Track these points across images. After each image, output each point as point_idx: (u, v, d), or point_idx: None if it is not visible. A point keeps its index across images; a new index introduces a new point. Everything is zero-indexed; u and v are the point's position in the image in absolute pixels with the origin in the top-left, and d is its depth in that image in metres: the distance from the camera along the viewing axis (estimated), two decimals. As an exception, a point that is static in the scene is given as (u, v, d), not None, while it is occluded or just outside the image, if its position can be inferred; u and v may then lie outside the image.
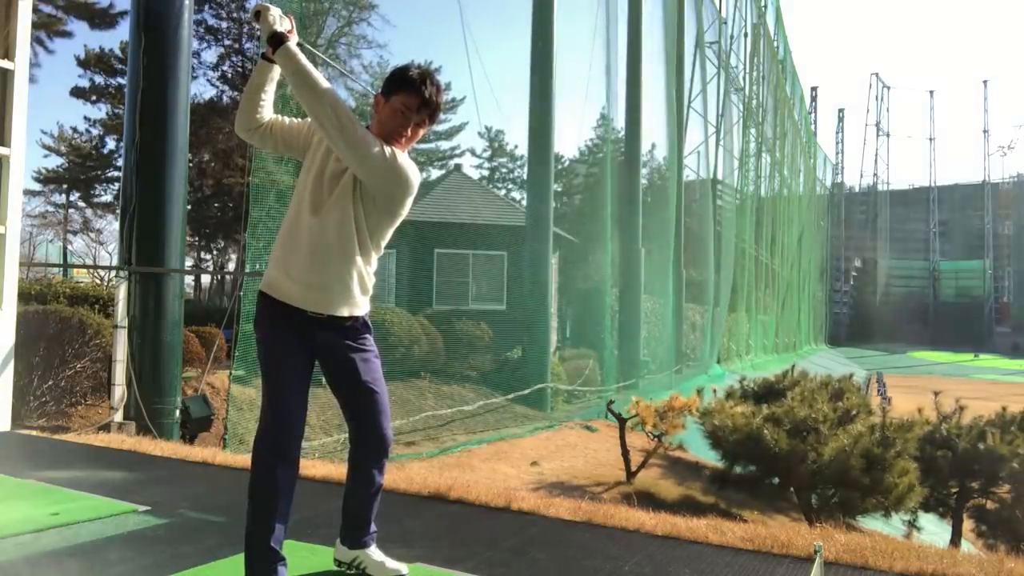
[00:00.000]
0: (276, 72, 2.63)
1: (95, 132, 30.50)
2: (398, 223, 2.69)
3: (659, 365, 21.57)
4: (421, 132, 2.64)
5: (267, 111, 2.68)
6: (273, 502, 2.52)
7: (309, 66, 2.46)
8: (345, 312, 2.60)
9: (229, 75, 27.66)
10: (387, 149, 2.51)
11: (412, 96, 2.54)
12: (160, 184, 8.49)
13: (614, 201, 18.71)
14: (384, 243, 2.69)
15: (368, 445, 2.68)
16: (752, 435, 8.86)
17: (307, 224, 2.55)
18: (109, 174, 31.16)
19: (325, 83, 2.45)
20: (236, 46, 27.29)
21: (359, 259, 2.57)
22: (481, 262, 17.80)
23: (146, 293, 8.44)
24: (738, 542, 3.46)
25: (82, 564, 3.00)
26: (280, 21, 2.54)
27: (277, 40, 2.48)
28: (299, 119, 2.74)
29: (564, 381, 16.32)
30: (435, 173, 31.65)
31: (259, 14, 2.53)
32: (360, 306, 2.64)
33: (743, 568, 3.15)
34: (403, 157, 2.56)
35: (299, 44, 2.57)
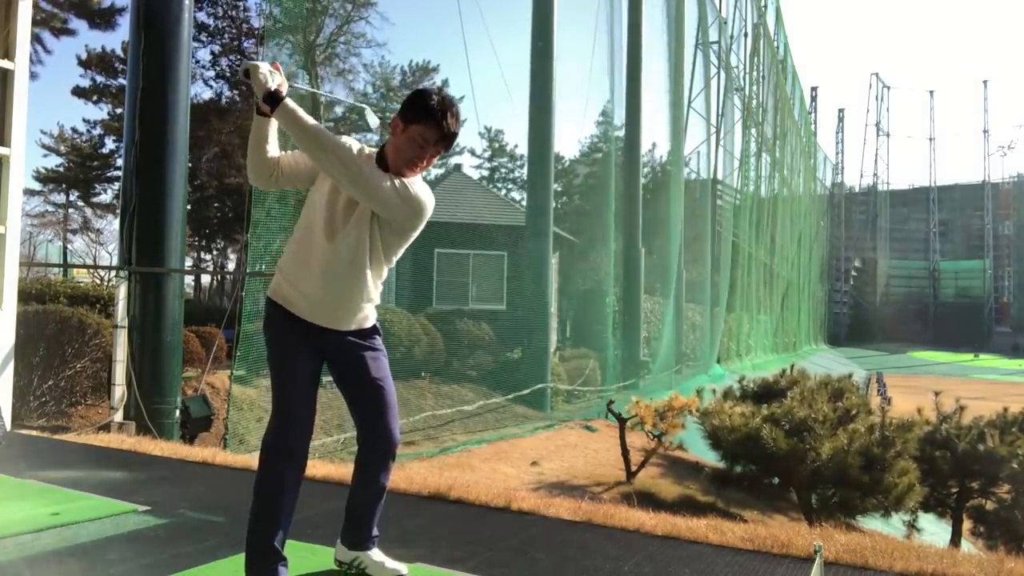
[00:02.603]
0: (274, 124, 2.61)
1: (95, 132, 30.53)
2: (411, 241, 2.73)
3: (659, 365, 21.57)
4: (435, 159, 2.65)
5: (274, 154, 2.67)
6: (279, 501, 2.53)
7: (309, 121, 2.45)
8: (354, 327, 2.66)
9: (227, 74, 27.64)
10: (397, 183, 2.51)
11: (432, 129, 2.52)
12: (160, 184, 8.49)
13: (615, 200, 18.73)
14: (396, 259, 2.74)
15: (375, 444, 2.70)
16: (751, 435, 8.86)
17: (321, 249, 2.56)
18: (109, 174, 31.17)
19: (327, 134, 2.46)
20: (234, 44, 27.27)
21: (370, 279, 2.62)
22: (481, 262, 17.80)
23: (146, 293, 8.44)
24: (738, 542, 3.46)
25: (82, 564, 3.00)
26: (271, 77, 2.49)
27: (273, 99, 2.45)
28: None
29: (564, 381, 16.32)
30: (435, 173, 31.64)
31: (248, 72, 2.48)
32: (369, 319, 2.71)
33: (743, 568, 3.15)
34: (415, 186, 2.57)
35: (291, 86, 2.56)
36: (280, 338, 2.62)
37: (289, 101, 2.46)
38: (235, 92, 27.28)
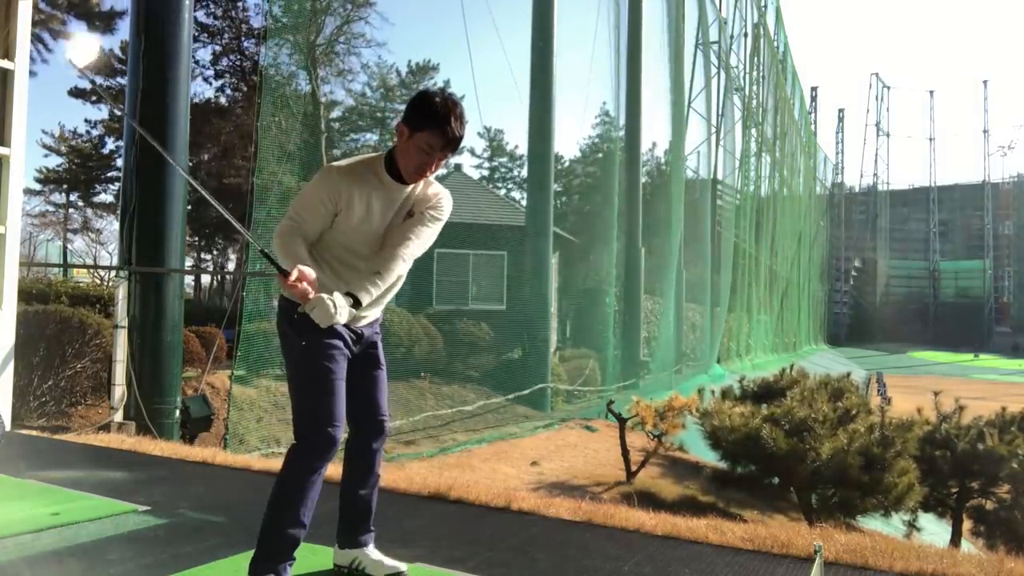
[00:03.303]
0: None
1: (95, 133, 30.53)
2: None
3: (659, 365, 21.57)
4: (443, 162, 2.66)
5: (310, 242, 2.62)
6: (310, 503, 2.53)
7: (381, 285, 2.48)
8: (373, 319, 2.79)
9: (227, 74, 27.65)
10: (432, 224, 2.62)
11: (436, 136, 2.51)
12: (160, 184, 8.49)
13: (617, 200, 18.74)
14: None
15: (370, 426, 2.74)
16: (751, 435, 8.85)
17: (364, 270, 2.58)
18: (109, 174, 31.18)
19: (388, 272, 2.50)
20: (234, 44, 27.27)
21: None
22: (481, 262, 17.80)
23: (146, 293, 8.44)
24: (738, 542, 3.46)
25: (82, 564, 3.00)
26: (337, 307, 2.34)
27: (355, 305, 2.41)
28: (312, 213, 2.59)
29: (564, 381, 16.32)
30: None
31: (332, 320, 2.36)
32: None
33: (743, 568, 3.15)
34: (443, 211, 2.66)
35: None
36: (319, 338, 2.56)
37: (363, 298, 2.43)
38: (236, 92, 27.30)
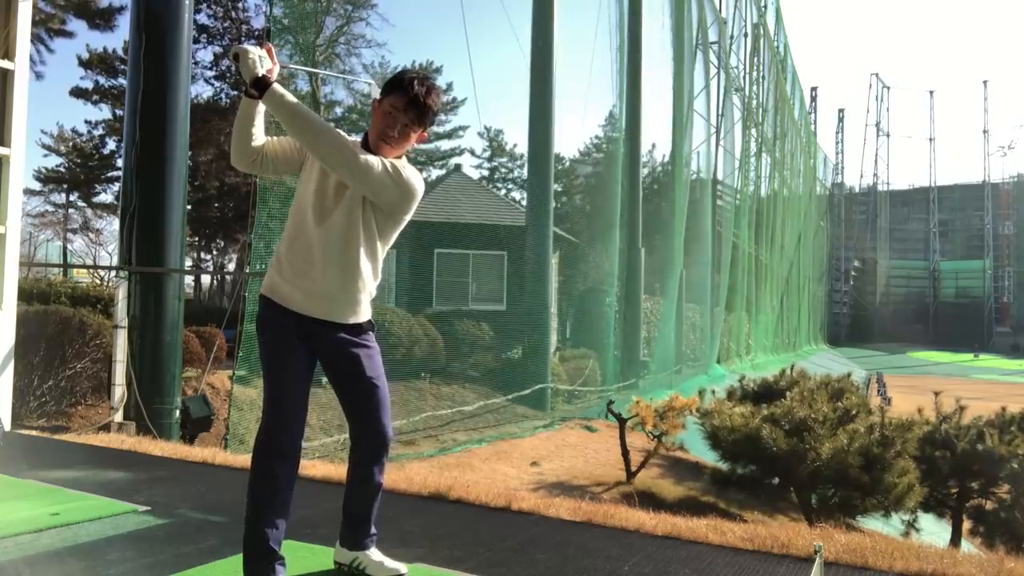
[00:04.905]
0: (262, 107, 2.60)
1: (96, 133, 30.49)
2: (402, 227, 2.72)
3: (659, 365, 21.57)
4: (413, 135, 2.62)
5: (260, 139, 2.66)
6: (273, 500, 2.53)
7: (299, 106, 2.46)
8: (351, 320, 2.64)
9: (228, 74, 27.64)
10: (388, 167, 2.52)
11: (400, 97, 2.56)
12: (160, 184, 8.50)
13: (619, 200, 18.73)
14: (388, 246, 2.72)
15: (368, 442, 2.70)
16: (751, 435, 8.85)
17: (312, 234, 2.56)
18: (109, 174, 31.14)
19: (317, 119, 2.48)
20: (234, 45, 27.28)
21: (364, 267, 2.60)
22: (481, 262, 17.80)
23: (146, 293, 8.45)
24: (738, 542, 3.46)
25: (82, 564, 3.00)
26: (260, 62, 2.49)
27: (261, 85, 2.46)
28: (287, 136, 2.69)
29: (564, 381, 16.32)
30: (435, 173, 31.73)
31: (237, 56, 2.47)
32: (364, 311, 2.68)
33: (743, 568, 3.15)
34: (406, 170, 2.58)
35: (283, 67, 2.60)
36: (273, 335, 2.62)
37: (277, 87, 2.48)
38: (236, 92, 27.28)
